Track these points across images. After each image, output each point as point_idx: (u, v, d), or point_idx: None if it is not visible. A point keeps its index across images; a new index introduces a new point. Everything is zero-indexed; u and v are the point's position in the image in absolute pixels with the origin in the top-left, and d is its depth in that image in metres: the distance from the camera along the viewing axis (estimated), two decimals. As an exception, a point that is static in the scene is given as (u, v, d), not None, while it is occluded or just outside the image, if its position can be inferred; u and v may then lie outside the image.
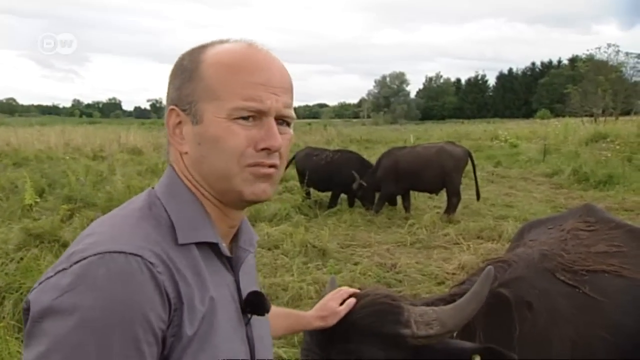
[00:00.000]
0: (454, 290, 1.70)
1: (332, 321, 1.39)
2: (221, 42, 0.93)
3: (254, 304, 0.95)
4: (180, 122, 0.91)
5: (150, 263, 0.78)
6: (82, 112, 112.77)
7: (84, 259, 0.76)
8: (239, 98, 0.86)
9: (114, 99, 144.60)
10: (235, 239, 1.01)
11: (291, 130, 0.96)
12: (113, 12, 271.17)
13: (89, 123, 45.63)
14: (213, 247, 0.91)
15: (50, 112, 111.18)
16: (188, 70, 0.90)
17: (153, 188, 0.95)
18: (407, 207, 8.64)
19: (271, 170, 0.90)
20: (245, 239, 1.02)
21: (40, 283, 0.77)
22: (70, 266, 0.76)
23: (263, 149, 0.88)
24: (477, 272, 1.83)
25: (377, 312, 1.38)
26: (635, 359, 1.77)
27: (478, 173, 9.30)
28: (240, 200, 0.92)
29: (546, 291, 1.72)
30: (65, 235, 5.89)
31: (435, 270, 5.50)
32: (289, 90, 0.93)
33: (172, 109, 0.91)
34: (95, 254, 0.76)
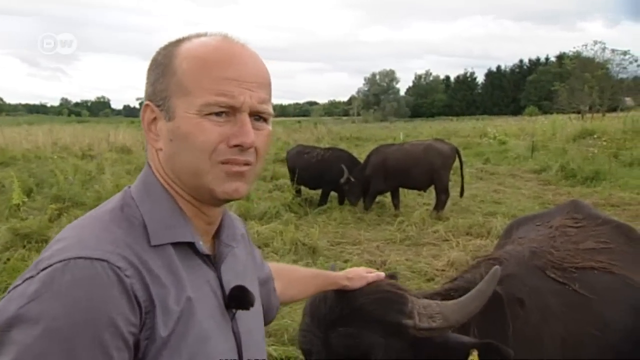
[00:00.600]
0: (447, 286, 1.72)
1: (358, 283, 1.42)
2: (197, 35, 0.92)
3: (237, 299, 0.94)
4: (155, 118, 0.90)
5: (117, 267, 0.77)
6: (71, 110, 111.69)
7: (50, 266, 0.75)
8: (210, 93, 0.85)
9: (103, 97, 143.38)
10: (217, 235, 1.00)
11: (269, 127, 0.93)
12: (100, 9, 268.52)
13: (77, 122, 45.21)
14: (191, 245, 0.90)
15: (38, 111, 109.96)
16: (162, 65, 0.89)
17: (130, 187, 0.95)
18: (396, 205, 8.68)
19: (244, 168, 0.89)
20: (228, 234, 1.01)
21: (9, 292, 0.77)
22: (37, 274, 0.75)
23: (235, 146, 0.86)
24: (469, 269, 1.85)
25: (382, 300, 1.38)
26: (625, 355, 1.78)
27: (467, 170, 9.39)
28: (213, 198, 0.90)
29: (537, 289, 1.73)
30: (53, 235, 5.83)
31: (424, 267, 5.53)
32: (264, 85, 0.91)
33: (147, 105, 0.90)
34: (60, 261, 0.75)
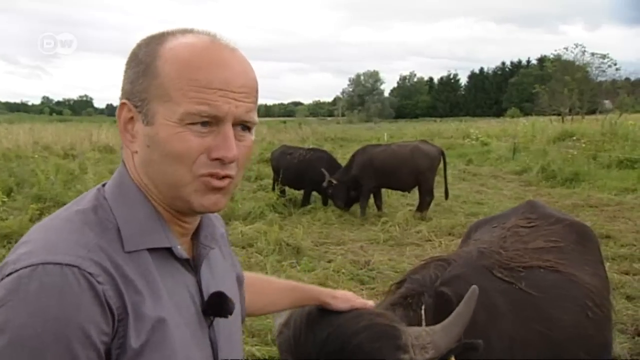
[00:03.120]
0: (401, 292, 1.68)
1: (342, 305, 1.30)
2: (183, 32, 0.85)
3: (215, 306, 0.90)
4: (132, 118, 0.84)
5: (89, 273, 0.72)
6: (52, 109, 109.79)
7: (16, 271, 0.71)
8: (193, 102, 0.79)
9: (86, 96, 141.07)
10: (196, 235, 0.95)
11: (252, 136, 0.88)
12: (78, 7, 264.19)
13: (59, 121, 44.49)
14: (169, 250, 0.86)
15: (18, 109, 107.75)
16: (143, 63, 0.83)
17: (103, 185, 0.89)
18: (379, 206, 8.73)
19: (224, 182, 0.84)
20: (207, 234, 0.96)
21: None
22: (2, 279, 0.71)
23: (216, 159, 0.82)
24: (417, 269, 1.84)
25: (379, 336, 1.30)
26: (571, 351, 1.81)
27: (450, 171, 9.46)
28: (189, 209, 0.86)
29: (484, 288, 1.69)
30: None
31: (408, 267, 5.56)
32: (251, 93, 0.85)
33: (124, 103, 0.84)
34: (27, 266, 0.71)
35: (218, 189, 0.84)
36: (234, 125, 0.83)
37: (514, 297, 1.77)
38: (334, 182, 8.38)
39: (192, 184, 0.82)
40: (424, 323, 1.49)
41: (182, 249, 0.88)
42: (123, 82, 0.86)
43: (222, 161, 0.82)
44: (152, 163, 0.83)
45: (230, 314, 0.92)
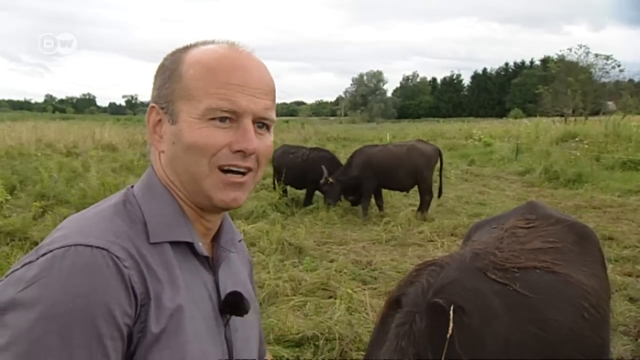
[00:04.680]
0: (399, 320, 1.66)
1: None
2: (204, 43, 0.93)
3: (232, 305, 0.93)
4: (160, 121, 0.91)
5: (117, 257, 0.77)
6: (55, 107, 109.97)
7: (50, 251, 0.75)
8: (213, 98, 0.85)
9: (88, 94, 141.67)
10: (216, 239, 1.00)
11: (271, 136, 0.94)
12: (77, 4, 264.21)
13: (62, 119, 44.50)
14: (190, 246, 0.90)
15: (22, 107, 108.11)
16: (169, 69, 0.90)
17: (132, 187, 0.95)
18: (380, 206, 8.73)
19: (244, 178, 0.89)
20: (227, 239, 1.01)
21: (7, 275, 0.77)
22: (37, 259, 0.75)
23: (238, 151, 0.87)
24: (411, 279, 1.81)
25: None
26: (566, 352, 1.79)
27: (452, 171, 9.49)
28: (211, 205, 0.91)
29: (477, 291, 1.72)
30: (37, 233, 5.78)
31: (410, 267, 5.52)
32: (269, 92, 0.91)
33: (152, 107, 0.91)
34: (61, 247, 0.76)
35: (238, 185, 0.89)
36: (253, 122, 0.89)
37: (508, 299, 1.75)
38: (331, 181, 8.39)
39: (211, 176, 0.87)
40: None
41: (202, 247, 0.92)
42: (152, 90, 0.93)
43: (243, 153, 0.87)
44: (177, 159, 0.89)
45: (246, 312, 0.95)
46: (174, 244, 0.88)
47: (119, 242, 0.79)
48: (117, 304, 0.75)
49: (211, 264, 0.95)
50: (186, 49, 0.92)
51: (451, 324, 1.52)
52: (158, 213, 0.89)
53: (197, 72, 0.87)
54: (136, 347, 0.78)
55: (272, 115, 0.92)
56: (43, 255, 0.76)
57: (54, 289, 0.72)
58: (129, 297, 0.76)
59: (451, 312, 1.50)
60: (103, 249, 0.77)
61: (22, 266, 0.76)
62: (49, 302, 0.71)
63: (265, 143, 0.92)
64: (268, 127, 0.93)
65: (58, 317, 0.70)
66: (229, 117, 0.86)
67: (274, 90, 0.93)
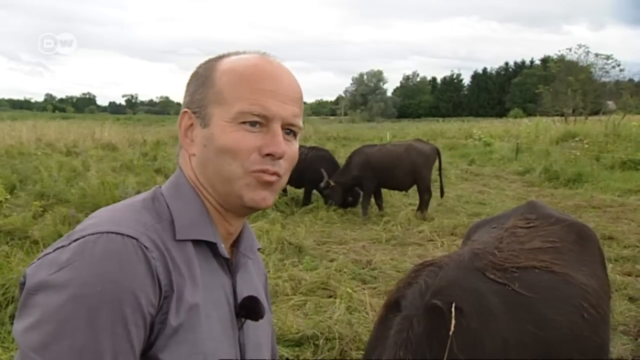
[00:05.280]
0: (397, 326, 1.64)
1: None
2: (237, 53, 0.97)
3: (248, 308, 0.96)
4: (191, 125, 0.94)
5: (146, 247, 0.80)
6: (55, 106, 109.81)
7: (82, 237, 0.78)
8: (245, 102, 0.88)
9: (88, 93, 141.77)
10: (236, 244, 1.02)
11: (297, 144, 0.97)
12: (80, 3, 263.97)
13: (62, 118, 44.41)
14: (211, 247, 0.92)
15: (22, 106, 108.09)
16: (202, 77, 0.94)
17: (160, 186, 0.98)
18: (379, 205, 8.74)
19: (274, 178, 0.91)
20: (246, 246, 1.03)
21: (39, 258, 0.79)
22: (70, 244, 0.78)
23: (267, 155, 0.89)
24: (409, 280, 1.80)
25: None
26: (564, 352, 1.79)
27: (452, 171, 9.49)
28: (241, 206, 0.93)
29: (476, 291, 1.72)
30: (37, 232, 5.78)
31: (409, 267, 5.56)
32: (297, 100, 0.94)
33: (185, 112, 0.94)
34: (94, 233, 0.78)
35: (268, 184, 0.91)
36: (282, 128, 0.91)
37: (507, 298, 1.75)
38: (332, 184, 8.38)
39: (244, 179, 0.90)
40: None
41: (224, 249, 0.94)
42: (184, 96, 0.97)
43: (272, 157, 0.89)
44: (208, 161, 0.91)
45: (261, 317, 0.97)
46: (197, 244, 0.90)
47: (147, 234, 0.82)
48: (144, 292, 0.77)
49: (230, 267, 0.97)
50: (219, 58, 0.96)
51: (453, 321, 1.52)
52: (185, 212, 0.91)
53: (230, 79, 0.90)
54: (156, 338, 0.80)
55: (300, 122, 0.95)
56: (75, 240, 0.78)
57: (84, 272, 0.75)
58: (155, 287, 0.79)
59: (452, 312, 1.49)
60: (133, 237, 0.79)
61: (55, 250, 0.79)
62: (79, 285, 0.73)
63: (292, 149, 0.94)
64: (295, 135, 0.96)
65: (87, 300, 0.73)
66: (259, 122, 0.89)
67: (301, 99, 0.97)
